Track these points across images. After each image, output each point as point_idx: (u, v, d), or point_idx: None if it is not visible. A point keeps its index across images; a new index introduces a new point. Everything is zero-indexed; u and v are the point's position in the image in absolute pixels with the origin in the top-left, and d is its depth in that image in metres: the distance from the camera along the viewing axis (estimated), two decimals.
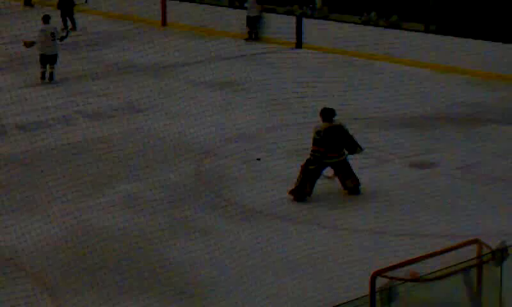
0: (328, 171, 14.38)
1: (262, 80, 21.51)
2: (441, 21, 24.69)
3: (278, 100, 19.89)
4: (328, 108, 14.39)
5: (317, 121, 14.45)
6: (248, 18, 27.43)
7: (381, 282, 8.60)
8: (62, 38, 23.36)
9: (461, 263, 8.94)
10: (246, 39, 27.27)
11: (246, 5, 27.70)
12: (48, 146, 16.79)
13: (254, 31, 27.43)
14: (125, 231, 13.11)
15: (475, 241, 9.40)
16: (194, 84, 21.80)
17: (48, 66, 22.48)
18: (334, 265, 11.97)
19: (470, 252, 9.36)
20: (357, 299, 8.88)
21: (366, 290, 8.58)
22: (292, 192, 14.17)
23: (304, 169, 14.12)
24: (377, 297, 8.49)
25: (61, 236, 12.92)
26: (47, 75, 22.47)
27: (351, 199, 14.33)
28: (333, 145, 14.14)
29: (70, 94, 20.82)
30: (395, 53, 24.18)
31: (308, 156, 14.19)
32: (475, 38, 22.88)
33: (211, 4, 29.75)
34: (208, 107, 19.31)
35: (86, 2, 25.03)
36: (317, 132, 14.12)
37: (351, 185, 14.36)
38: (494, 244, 9.13)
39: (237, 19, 27.56)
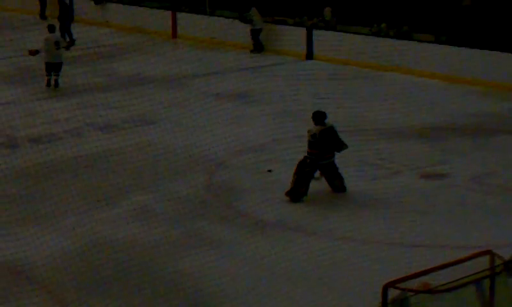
0: (316, 173, 14.99)
1: (273, 91, 21.53)
2: (451, 31, 24.68)
3: (289, 112, 19.89)
4: (320, 111, 15.07)
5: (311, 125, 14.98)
6: (253, 30, 27.48)
7: (393, 293, 8.60)
8: (67, 47, 23.83)
9: (474, 274, 8.93)
10: (252, 51, 27.32)
11: (248, 17, 27.65)
12: (60, 158, 16.86)
13: (258, 43, 27.47)
14: (137, 243, 13.13)
15: (488, 252, 9.39)
16: (205, 95, 21.84)
17: (53, 73, 23.08)
18: (346, 276, 11.95)
19: (483, 263, 9.35)
20: None
21: (378, 302, 8.58)
22: (288, 193, 14.70)
23: (299, 170, 14.68)
24: None
25: (73, 249, 12.95)
26: (52, 82, 23.05)
27: (363, 209, 14.32)
28: (326, 147, 14.80)
29: (82, 106, 20.88)
30: (405, 64, 24.17)
31: (301, 158, 14.79)
32: (486, 48, 22.86)
33: (220, 16, 29.82)
34: (220, 119, 19.34)
35: (73, 43, 25.28)
36: (312, 135, 14.76)
37: (339, 184, 14.99)
38: (506, 255, 9.12)
39: (247, 31, 27.60)
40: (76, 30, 28.64)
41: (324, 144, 14.75)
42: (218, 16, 29.97)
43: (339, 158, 16.24)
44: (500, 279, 9.21)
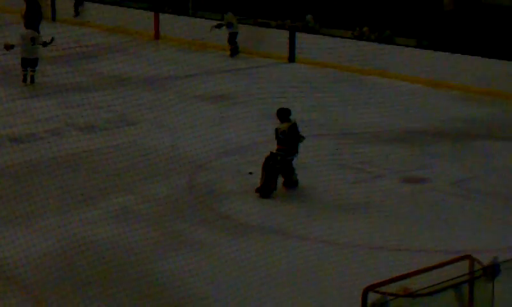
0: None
1: (255, 94, 21.53)
2: (433, 36, 24.78)
3: (271, 114, 19.87)
4: (285, 108, 15.54)
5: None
6: (231, 34, 27.45)
7: (373, 297, 8.61)
8: (45, 44, 23.82)
9: (453, 279, 8.96)
10: (231, 55, 27.30)
11: (225, 21, 27.52)
12: (40, 158, 16.77)
13: (236, 46, 27.42)
14: (117, 244, 13.07)
15: (467, 257, 9.42)
16: (187, 97, 21.82)
17: (29, 69, 23.49)
18: (326, 280, 11.96)
19: (462, 268, 9.39)
20: None
21: (358, 305, 8.59)
22: (258, 190, 15.04)
23: (268, 167, 15.03)
24: None
25: (52, 250, 12.89)
26: (28, 78, 23.45)
27: (344, 213, 14.32)
28: (293, 142, 15.25)
29: (63, 106, 20.80)
30: (387, 68, 24.25)
31: (267, 154, 15.18)
32: (468, 53, 22.97)
33: (203, 18, 29.81)
34: (201, 121, 19.32)
35: (52, 41, 25.25)
36: (282, 132, 15.17)
37: (295, 179, 15.38)
38: (486, 260, 9.15)
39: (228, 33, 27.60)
40: (58, 30, 28.48)
41: (292, 140, 15.22)
42: (201, 17, 29.96)
43: (320, 161, 16.34)
44: (479, 283, 9.24)
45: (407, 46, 24.75)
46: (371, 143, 18.20)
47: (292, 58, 26.51)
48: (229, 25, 27.42)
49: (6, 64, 24.85)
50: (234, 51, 27.40)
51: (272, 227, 13.88)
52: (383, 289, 8.70)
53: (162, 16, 30.33)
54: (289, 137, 15.18)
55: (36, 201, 14.50)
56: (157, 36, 30.29)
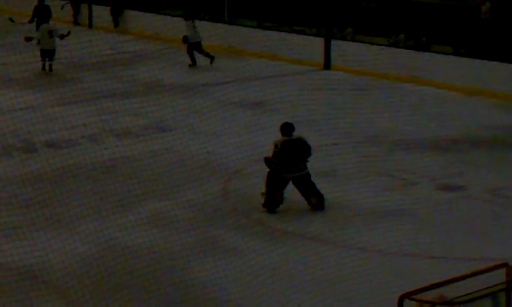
0: (262, 188, 14.89)
1: (290, 101, 21.56)
2: (470, 43, 24.65)
3: (305, 121, 19.90)
4: (288, 123, 14.92)
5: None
6: (192, 44, 27.06)
7: (408, 305, 8.60)
8: (62, 36, 25.69)
9: (490, 287, 8.92)
10: (190, 65, 27.00)
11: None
12: (77, 164, 16.93)
13: (206, 53, 27.11)
14: (152, 249, 13.16)
15: (504, 265, 9.37)
16: (222, 104, 21.89)
17: (47, 59, 25.54)
18: (362, 287, 11.93)
19: (499, 276, 9.34)
20: None
21: None
22: (264, 205, 14.71)
23: (268, 180, 14.71)
24: None
25: (89, 255, 13.01)
26: (47, 66, 25.64)
27: (379, 220, 14.29)
28: (289, 159, 14.57)
29: (100, 112, 20.96)
30: (423, 75, 24.17)
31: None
32: (505, 61, 22.83)
33: (239, 25, 29.91)
34: (236, 127, 19.39)
35: (68, 34, 25.74)
36: (275, 146, 14.72)
37: (315, 202, 14.70)
38: None
39: (265, 40, 27.64)
40: (95, 37, 28.73)
41: (286, 155, 14.56)
42: (237, 25, 30.05)
43: (353, 168, 16.23)
44: None
45: (443, 53, 24.64)
46: (405, 150, 18.13)
47: (327, 65, 26.50)
48: (185, 38, 27.12)
49: (43, 71, 25.21)
50: (209, 57, 27.04)
51: (308, 234, 13.88)
52: (419, 296, 8.69)
53: (197, 23, 30.42)
54: (282, 153, 14.58)
55: (74, 206, 14.65)
56: None
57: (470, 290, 8.85)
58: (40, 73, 25.56)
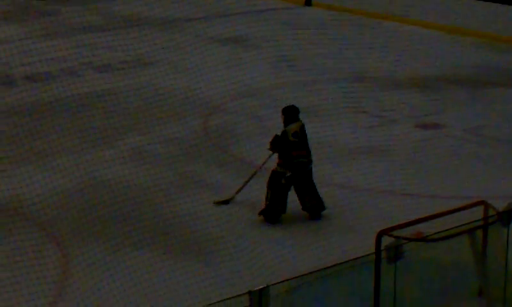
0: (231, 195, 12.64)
1: (271, 36, 21.45)
2: None
3: (286, 57, 19.84)
4: (293, 106, 12.48)
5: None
6: None
7: (386, 241, 8.67)
8: None
9: (467, 223, 9.00)
10: None
11: None
12: (56, 98, 16.78)
13: None
14: (132, 183, 13.17)
15: (482, 202, 9.46)
16: (202, 38, 21.74)
17: None
18: (340, 223, 12.03)
19: (477, 213, 9.43)
20: (362, 256, 8.96)
21: (372, 249, 8.65)
22: (262, 213, 12.14)
23: (274, 183, 12.07)
24: (383, 255, 8.56)
25: (69, 188, 13.00)
26: None
27: (358, 157, 14.34)
28: (307, 146, 12.30)
29: (78, 46, 20.78)
30: (405, 13, 24.08)
31: (274, 167, 12.24)
32: (488, 0, 22.78)
33: None
34: (217, 63, 19.28)
35: None
36: (294, 134, 12.12)
37: (311, 205, 12.20)
38: (500, 206, 9.19)
39: None
40: None
41: (305, 144, 12.27)
42: None
43: (334, 106, 16.21)
44: (493, 229, 9.29)
45: None
46: (386, 88, 18.14)
47: (308, 1, 26.32)
48: None
49: (19, 2, 24.89)
50: None
51: None
52: (397, 233, 8.76)
53: None
54: (304, 139, 12.26)
55: (53, 140, 14.58)
56: None
57: (448, 227, 8.92)
58: (16, 4, 25.17)
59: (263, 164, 12.42)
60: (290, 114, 12.31)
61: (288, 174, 12.01)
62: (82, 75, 18.73)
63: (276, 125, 15.41)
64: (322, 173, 13.54)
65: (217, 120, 16.21)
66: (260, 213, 12.13)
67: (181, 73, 18.58)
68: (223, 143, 15.07)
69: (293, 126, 12.20)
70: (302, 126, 12.29)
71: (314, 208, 12.18)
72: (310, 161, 12.23)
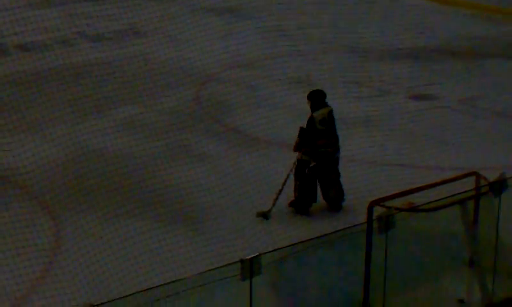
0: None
1: (264, 7, 21.35)
2: None
3: (280, 28, 19.76)
4: (318, 89, 11.85)
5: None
6: None
7: (378, 211, 8.67)
8: None
9: (459, 193, 9.00)
10: None
11: None
12: (50, 68, 16.71)
13: None
14: (124, 153, 13.15)
15: (473, 173, 9.45)
16: (195, 8, 21.64)
17: None
18: None
19: (469, 184, 9.42)
20: (354, 226, 8.97)
21: (363, 219, 8.65)
22: (292, 204, 11.62)
23: (300, 173, 11.46)
24: (375, 225, 8.56)
25: (62, 157, 12.97)
26: None
27: (350, 128, 14.28)
28: (335, 135, 11.64)
29: (72, 15, 20.68)
30: None
31: (299, 156, 11.53)
32: None
33: None
34: (210, 33, 19.19)
35: None
36: (321, 121, 11.41)
37: (332, 195, 11.61)
38: (492, 176, 9.18)
39: None
40: None
41: (334, 129, 11.63)
42: None
43: (327, 76, 16.12)
44: (485, 200, 9.29)
45: None
46: (379, 59, 18.10)
47: None
48: None
49: None
50: None
51: (278, 140, 13.89)
52: (388, 203, 8.75)
53: None
54: (332, 127, 11.57)
55: (44, 108, 14.53)
56: None
57: (440, 197, 8.92)
58: None
59: (291, 170, 11.56)
60: (317, 98, 11.54)
61: (313, 164, 11.38)
62: (75, 44, 18.65)
63: (269, 95, 15.46)
64: None
65: (210, 89, 16.17)
66: (290, 205, 11.56)
67: (174, 43, 18.50)
68: (215, 113, 15.03)
69: (321, 112, 11.45)
70: (330, 112, 11.52)
71: (336, 200, 11.57)
72: (337, 149, 11.51)
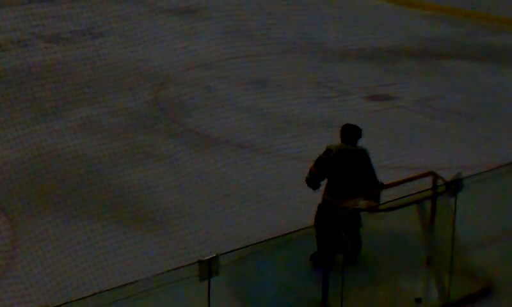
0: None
1: (223, 8, 21.34)
2: None
3: (239, 29, 19.78)
4: (354, 125, 9.87)
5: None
6: None
7: None
8: None
9: (416, 193, 9.07)
10: None
11: None
12: (6, 69, 16.57)
13: None
14: (82, 155, 13.06)
15: (430, 173, 9.54)
16: (153, 8, 21.58)
17: None
18: (290, 194, 12.04)
19: (425, 184, 9.50)
20: (312, 226, 9.00)
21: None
22: (312, 257, 9.68)
23: (320, 223, 9.56)
24: None
25: (18, 159, 12.84)
26: None
27: (308, 129, 14.33)
28: (338, 177, 9.62)
29: (29, 17, 20.49)
30: None
31: (321, 202, 9.82)
32: None
33: None
34: (168, 33, 19.15)
35: None
36: (326, 151, 9.72)
37: (350, 246, 9.64)
38: (449, 176, 9.26)
39: None
40: None
41: (336, 171, 9.64)
42: None
43: (286, 77, 16.17)
44: (441, 199, 9.37)
45: None
46: (337, 60, 18.18)
47: None
48: None
49: None
50: None
51: (238, 141, 13.90)
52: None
53: None
54: (334, 165, 9.64)
55: (2, 111, 14.37)
56: None
57: (397, 197, 8.98)
58: None
59: None
60: (347, 134, 9.83)
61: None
62: (31, 45, 18.48)
63: (227, 96, 15.46)
64: (274, 146, 13.59)
65: (169, 90, 16.12)
66: (311, 258, 9.70)
67: (132, 44, 18.42)
68: (174, 114, 14.99)
69: (334, 145, 9.82)
70: (345, 151, 9.71)
71: (353, 253, 9.70)
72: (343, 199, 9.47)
